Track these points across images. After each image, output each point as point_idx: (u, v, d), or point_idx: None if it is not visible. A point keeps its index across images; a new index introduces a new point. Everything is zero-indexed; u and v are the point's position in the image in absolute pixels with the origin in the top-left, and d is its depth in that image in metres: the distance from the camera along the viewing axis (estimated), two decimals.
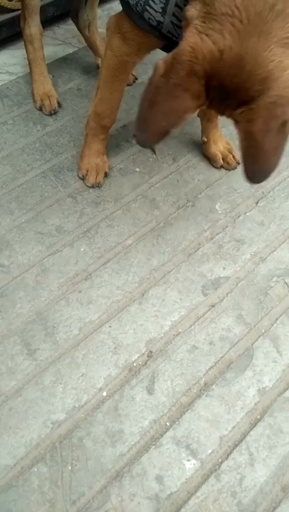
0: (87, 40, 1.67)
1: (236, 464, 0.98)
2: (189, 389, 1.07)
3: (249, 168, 0.92)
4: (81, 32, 1.66)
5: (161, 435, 1.01)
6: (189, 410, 1.04)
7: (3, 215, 1.33)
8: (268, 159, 0.91)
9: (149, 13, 0.98)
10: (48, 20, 1.78)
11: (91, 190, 1.40)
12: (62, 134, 1.53)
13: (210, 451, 0.99)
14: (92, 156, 1.39)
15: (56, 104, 1.57)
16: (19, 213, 1.33)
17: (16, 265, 1.23)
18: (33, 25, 1.51)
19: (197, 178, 1.45)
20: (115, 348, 1.12)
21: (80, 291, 1.20)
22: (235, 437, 1.01)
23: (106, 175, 1.41)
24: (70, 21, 1.71)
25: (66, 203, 1.36)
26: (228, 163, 1.46)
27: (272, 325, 1.17)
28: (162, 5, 0.95)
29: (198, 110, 0.91)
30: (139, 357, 1.11)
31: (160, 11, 0.96)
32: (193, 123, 1.55)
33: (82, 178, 1.41)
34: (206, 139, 1.46)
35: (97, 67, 1.70)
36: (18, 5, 1.69)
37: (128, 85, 1.60)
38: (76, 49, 1.81)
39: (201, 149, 1.50)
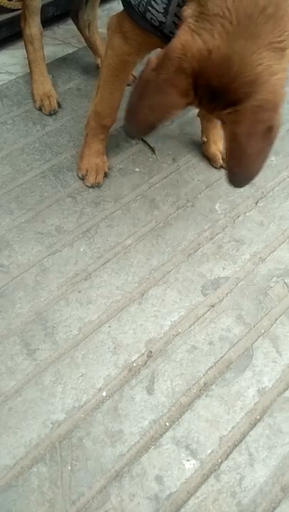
0: (87, 40, 1.67)
1: (236, 464, 0.98)
2: (189, 389, 1.07)
3: (231, 171, 0.93)
4: (81, 32, 1.66)
5: (161, 435, 1.01)
6: (189, 410, 1.04)
7: (3, 215, 1.32)
8: (251, 163, 0.91)
9: (151, 13, 0.98)
10: (48, 20, 1.78)
11: (91, 190, 1.40)
12: (62, 134, 1.53)
13: (209, 451, 0.99)
14: (92, 156, 1.39)
15: (56, 105, 1.57)
16: (19, 213, 1.33)
17: (16, 265, 1.23)
18: (33, 26, 1.51)
19: (197, 178, 1.45)
20: (115, 348, 1.12)
21: (79, 291, 1.20)
22: (234, 437, 1.01)
23: (106, 175, 1.41)
24: (70, 21, 1.71)
25: (66, 203, 1.36)
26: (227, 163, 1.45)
27: (272, 325, 1.17)
28: (164, 5, 0.95)
29: (196, 110, 0.91)
30: (138, 357, 1.11)
31: (162, 11, 0.96)
32: (193, 123, 1.55)
33: (82, 178, 1.41)
34: (205, 139, 1.46)
35: (97, 67, 1.70)
36: (17, 5, 1.69)
37: (128, 85, 1.60)
38: (76, 49, 1.81)
39: (201, 149, 1.50)
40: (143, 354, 1.11)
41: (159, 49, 1.07)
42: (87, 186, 1.40)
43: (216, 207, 1.38)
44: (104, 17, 1.68)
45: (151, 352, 1.12)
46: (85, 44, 1.72)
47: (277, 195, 1.42)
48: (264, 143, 0.88)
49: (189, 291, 1.22)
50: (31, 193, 1.38)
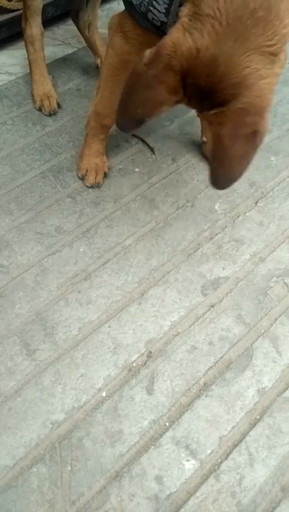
0: (87, 40, 1.67)
1: (236, 464, 0.98)
2: (189, 389, 1.07)
3: (214, 172, 0.92)
4: (81, 32, 1.66)
5: (161, 435, 1.01)
6: (189, 410, 1.04)
7: (3, 215, 1.33)
8: (233, 166, 0.91)
9: (153, 13, 0.98)
10: (48, 21, 1.78)
11: (90, 190, 1.40)
12: (62, 135, 1.53)
13: (209, 451, 0.99)
14: (91, 156, 1.39)
15: (56, 105, 1.57)
16: (18, 213, 1.33)
17: (16, 265, 1.23)
18: (34, 26, 1.51)
19: (196, 178, 1.45)
20: (115, 348, 1.12)
21: (79, 292, 1.20)
22: (234, 437, 1.01)
23: (105, 175, 1.41)
24: (70, 22, 1.71)
25: (65, 204, 1.36)
26: None
27: (272, 325, 1.17)
28: (166, 5, 0.96)
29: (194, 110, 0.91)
30: (138, 357, 1.11)
31: (164, 11, 0.97)
32: (192, 123, 1.55)
33: (82, 178, 1.41)
34: (205, 139, 1.46)
35: (97, 67, 1.70)
36: (17, 5, 1.69)
37: None
38: (75, 49, 1.81)
39: (201, 149, 1.50)
40: (143, 354, 1.11)
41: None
42: (87, 186, 1.40)
43: (216, 207, 1.38)
44: (103, 17, 1.68)
45: (151, 352, 1.12)
46: (85, 44, 1.72)
47: (277, 195, 1.42)
48: (248, 147, 0.88)
49: (189, 292, 1.22)
50: (31, 193, 1.38)
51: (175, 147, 1.52)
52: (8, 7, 1.69)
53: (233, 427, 1.02)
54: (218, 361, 1.11)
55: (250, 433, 1.02)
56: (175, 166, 1.47)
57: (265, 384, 1.08)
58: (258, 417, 1.04)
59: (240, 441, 1.01)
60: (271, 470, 0.98)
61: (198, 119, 1.45)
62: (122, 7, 1.08)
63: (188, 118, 1.58)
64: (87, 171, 1.39)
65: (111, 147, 1.47)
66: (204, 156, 1.49)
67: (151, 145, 1.51)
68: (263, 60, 0.80)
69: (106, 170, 1.41)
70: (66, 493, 0.93)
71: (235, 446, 1.00)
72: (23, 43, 1.57)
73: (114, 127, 1.38)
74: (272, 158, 1.50)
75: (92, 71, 1.72)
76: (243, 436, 1.01)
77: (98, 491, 0.94)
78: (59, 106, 1.59)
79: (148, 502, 0.93)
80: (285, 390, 1.08)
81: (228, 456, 0.99)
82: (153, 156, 1.49)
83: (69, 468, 0.96)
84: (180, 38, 0.80)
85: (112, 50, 1.14)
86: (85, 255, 1.26)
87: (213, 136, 0.87)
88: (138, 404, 1.04)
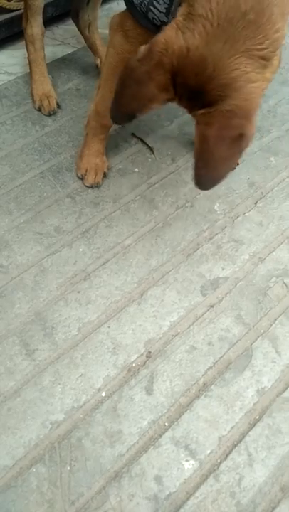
0: (86, 40, 1.67)
1: (235, 464, 0.98)
2: (188, 389, 1.07)
3: (198, 172, 0.93)
4: (81, 32, 1.66)
5: (160, 435, 1.01)
6: (188, 411, 1.04)
7: (2, 215, 1.32)
8: (218, 167, 0.92)
9: (153, 13, 0.99)
10: (47, 21, 1.77)
11: (90, 190, 1.40)
12: (61, 135, 1.53)
13: (209, 451, 0.99)
14: (91, 155, 1.39)
15: (55, 105, 1.57)
16: (18, 214, 1.33)
17: (15, 265, 1.23)
18: (35, 26, 1.51)
19: None
20: (114, 348, 1.12)
21: (78, 292, 1.20)
22: (234, 437, 1.01)
23: (105, 175, 1.41)
24: (69, 22, 1.71)
25: (65, 204, 1.36)
26: None
27: (271, 325, 1.17)
28: (166, 5, 0.96)
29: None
30: (138, 357, 1.11)
31: (164, 11, 0.97)
32: (192, 123, 1.54)
33: (81, 178, 1.41)
34: None
35: (96, 67, 1.70)
36: (16, 5, 1.69)
37: None
38: (75, 49, 1.81)
39: None
40: (142, 354, 1.11)
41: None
42: (86, 186, 1.40)
43: (215, 207, 1.38)
44: (103, 18, 1.68)
45: (150, 352, 1.12)
46: (85, 44, 1.72)
47: (276, 196, 1.42)
48: (233, 149, 0.88)
49: (188, 292, 1.22)
50: (30, 193, 1.38)
51: (174, 147, 1.52)
52: (7, 7, 1.69)
53: (232, 427, 1.02)
54: (217, 361, 1.11)
55: (250, 433, 1.02)
56: (174, 166, 1.47)
57: (264, 384, 1.08)
58: (257, 417, 1.04)
59: (240, 441, 1.01)
60: (270, 470, 0.98)
61: None
62: (121, 7, 1.08)
63: (187, 118, 1.58)
64: (86, 171, 1.39)
65: (110, 147, 1.47)
66: None
67: (150, 145, 1.51)
68: (253, 64, 0.80)
69: (105, 170, 1.41)
70: (65, 493, 0.93)
71: (235, 446, 1.00)
72: (23, 42, 1.57)
73: (114, 127, 1.38)
74: (272, 159, 1.50)
75: (91, 71, 1.72)
76: (243, 436, 1.01)
77: (97, 491, 0.94)
78: (58, 106, 1.59)
79: (147, 502, 0.93)
80: (284, 390, 1.08)
81: (227, 456, 0.99)
82: (152, 156, 1.49)
83: (68, 468, 0.96)
84: (172, 36, 0.81)
85: (113, 49, 1.14)
86: (84, 255, 1.26)
87: (200, 136, 0.88)
88: (137, 405, 1.04)
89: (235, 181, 1.44)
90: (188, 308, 1.19)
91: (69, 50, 1.80)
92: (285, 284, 1.24)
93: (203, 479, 0.96)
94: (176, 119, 1.58)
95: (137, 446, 0.99)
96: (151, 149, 1.50)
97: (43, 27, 1.53)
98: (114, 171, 1.45)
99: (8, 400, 1.03)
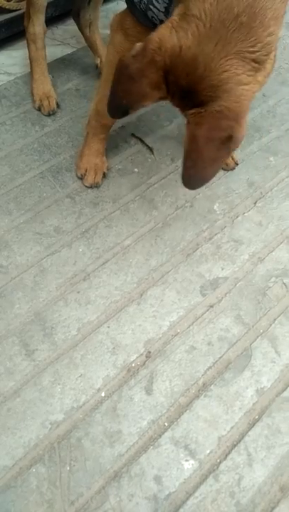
0: (87, 39, 1.67)
1: (235, 464, 0.98)
2: (188, 389, 1.07)
3: (186, 171, 0.94)
4: (82, 31, 1.66)
5: (160, 435, 1.01)
6: (188, 411, 1.04)
7: (2, 215, 1.33)
8: (206, 168, 0.92)
9: (153, 11, 0.99)
10: (47, 21, 1.77)
11: (89, 190, 1.40)
12: (61, 135, 1.53)
13: (208, 451, 0.99)
14: (91, 155, 1.39)
15: (55, 105, 1.57)
16: (17, 214, 1.33)
17: (15, 266, 1.23)
18: (37, 24, 1.50)
19: None
20: (114, 348, 1.12)
21: (78, 292, 1.20)
22: (233, 437, 1.01)
23: (104, 175, 1.41)
24: (69, 22, 1.71)
25: (64, 204, 1.36)
26: (226, 163, 1.46)
27: (271, 325, 1.17)
28: (165, 5, 0.96)
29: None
30: (137, 357, 1.11)
31: (163, 10, 0.97)
32: None
33: (81, 178, 1.41)
34: None
35: (96, 67, 1.70)
36: (16, 5, 1.69)
37: None
38: (74, 49, 1.81)
39: None
40: (142, 354, 1.11)
41: None
42: (86, 186, 1.40)
43: (215, 207, 1.39)
44: (102, 18, 1.68)
45: (150, 352, 1.12)
46: (84, 44, 1.72)
47: (275, 196, 1.42)
48: (222, 151, 0.89)
49: (188, 292, 1.22)
50: (30, 193, 1.38)
51: (174, 147, 1.52)
52: (7, 7, 1.69)
53: (232, 427, 1.02)
54: (217, 361, 1.11)
55: (249, 433, 1.02)
56: (174, 166, 1.47)
57: (263, 384, 1.08)
58: (256, 417, 1.04)
59: (239, 441, 1.01)
60: (270, 470, 0.98)
61: None
62: (120, 7, 1.08)
63: None
64: (86, 171, 1.39)
65: (110, 147, 1.47)
66: None
67: (150, 145, 1.51)
68: (244, 66, 0.80)
69: (105, 170, 1.41)
70: (65, 494, 0.93)
71: (234, 446, 1.00)
72: (23, 43, 1.58)
73: (114, 127, 1.38)
74: (271, 159, 1.50)
75: (91, 71, 1.72)
76: (242, 436, 1.01)
77: (97, 491, 0.94)
78: (58, 106, 1.59)
79: (147, 502, 0.93)
80: (283, 390, 1.08)
81: (227, 456, 0.99)
82: (152, 156, 1.50)
83: (68, 468, 0.96)
84: (166, 35, 0.81)
85: (113, 47, 1.14)
86: (84, 255, 1.26)
87: (190, 136, 0.88)
88: (137, 405, 1.04)
89: (235, 181, 1.44)
90: (187, 308, 1.19)
91: (68, 51, 1.80)
92: (284, 284, 1.24)
93: (203, 479, 0.96)
94: (176, 119, 1.58)
95: (137, 446, 0.99)
96: (150, 149, 1.51)
97: (45, 26, 1.52)
98: (114, 171, 1.45)
99: (8, 400, 1.03)
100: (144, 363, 1.10)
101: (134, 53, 0.86)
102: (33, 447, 0.98)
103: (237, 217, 1.37)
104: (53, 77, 1.66)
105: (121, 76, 0.90)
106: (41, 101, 1.57)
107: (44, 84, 1.58)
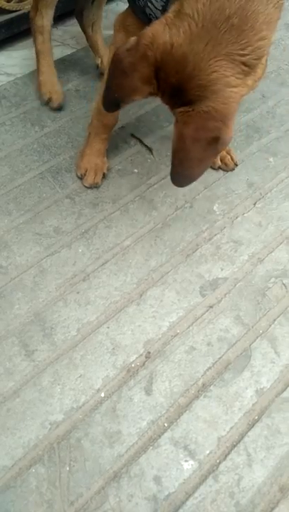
0: (89, 39, 1.67)
1: (234, 464, 0.98)
2: (187, 390, 1.07)
3: (174, 169, 0.95)
4: (84, 31, 1.65)
5: (159, 436, 1.01)
6: (187, 411, 1.04)
7: (1, 216, 1.33)
8: (192, 167, 0.93)
9: (150, 9, 1.00)
10: None
11: (89, 191, 1.40)
12: (61, 135, 1.53)
13: (208, 451, 0.99)
14: (92, 155, 1.39)
15: (62, 99, 1.56)
16: (17, 214, 1.33)
17: (14, 266, 1.23)
18: (46, 18, 1.50)
19: None
20: (113, 349, 1.12)
21: (78, 292, 1.20)
22: (233, 438, 1.01)
23: (104, 176, 1.41)
24: (68, 22, 1.72)
25: (64, 204, 1.36)
26: (226, 164, 1.46)
27: (270, 326, 1.17)
28: (162, 3, 0.97)
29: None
30: (137, 358, 1.11)
31: (160, 8, 0.98)
32: None
33: (80, 178, 1.41)
34: None
35: (97, 67, 1.70)
36: (16, 6, 1.69)
37: None
38: (74, 50, 1.81)
39: None
40: (141, 355, 1.11)
41: None
42: (85, 187, 1.40)
43: (215, 208, 1.39)
44: (102, 18, 1.68)
45: (149, 353, 1.12)
46: (84, 45, 1.72)
47: (275, 196, 1.42)
48: (208, 151, 0.89)
49: (188, 292, 1.22)
50: (29, 194, 1.38)
51: None
52: (7, 8, 1.70)
53: (231, 428, 1.02)
54: (216, 362, 1.11)
55: (249, 433, 1.02)
56: None
57: (263, 384, 1.08)
58: (256, 417, 1.04)
59: (239, 441, 1.01)
60: (269, 470, 0.98)
61: None
62: (120, 8, 1.08)
63: None
64: (86, 171, 1.39)
65: (110, 148, 1.47)
66: None
67: (149, 146, 1.51)
68: (234, 68, 0.81)
69: (105, 171, 1.41)
70: (65, 494, 0.93)
71: (234, 446, 1.00)
72: (22, 43, 1.58)
73: (114, 128, 1.38)
74: (271, 159, 1.50)
75: (91, 72, 1.72)
76: (242, 436, 1.01)
77: (97, 492, 0.94)
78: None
79: (146, 502, 0.93)
80: (283, 391, 1.08)
81: (226, 456, 0.99)
82: (151, 156, 1.50)
83: (67, 468, 0.96)
84: (160, 31, 0.82)
85: (115, 46, 1.15)
86: (83, 256, 1.26)
87: (177, 135, 0.89)
88: (136, 405, 1.04)
89: (234, 182, 1.44)
90: (187, 308, 1.19)
91: (68, 51, 1.80)
92: (283, 284, 1.24)
93: (203, 480, 0.96)
94: None
95: (136, 446, 0.99)
96: (150, 150, 1.51)
97: (52, 19, 1.52)
98: (114, 171, 1.45)
99: (8, 401, 1.03)
100: (143, 364, 1.10)
101: (129, 47, 0.87)
102: (33, 447, 0.98)
103: (237, 217, 1.37)
104: None
105: (115, 69, 0.91)
106: (50, 94, 1.55)
107: (52, 77, 1.57)
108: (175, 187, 1.41)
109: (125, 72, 0.87)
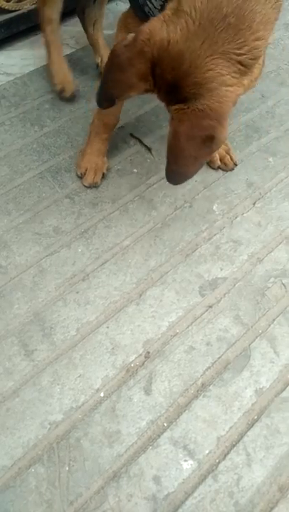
0: (90, 37, 1.67)
1: (233, 464, 0.98)
2: (186, 389, 1.07)
3: (169, 167, 0.94)
4: (85, 29, 1.65)
5: (159, 436, 1.01)
6: (186, 411, 1.04)
7: (1, 215, 1.33)
8: (187, 165, 0.93)
9: (149, 7, 1.00)
10: None
11: (89, 191, 1.40)
12: (60, 135, 1.53)
13: (207, 451, 0.99)
14: (92, 155, 1.39)
15: (75, 89, 1.55)
16: (16, 214, 1.33)
17: (14, 266, 1.23)
18: (55, 10, 1.50)
19: (194, 178, 1.45)
20: (113, 348, 1.12)
21: (77, 292, 1.20)
22: (232, 438, 1.01)
23: (104, 176, 1.41)
24: (68, 22, 1.71)
25: (64, 204, 1.36)
26: (225, 164, 1.46)
27: (270, 325, 1.17)
28: (161, 2, 0.97)
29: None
30: (136, 357, 1.11)
31: (159, 7, 0.98)
32: None
33: (80, 177, 1.41)
34: None
35: (97, 66, 1.70)
36: (15, 6, 1.69)
37: None
38: (74, 50, 1.81)
39: None
40: (141, 355, 1.11)
41: None
42: (85, 186, 1.40)
43: (214, 208, 1.39)
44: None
45: (148, 352, 1.12)
46: (84, 45, 1.72)
47: (274, 196, 1.42)
48: (202, 150, 0.89)
49: (187, 292, 1.22)
50: (29, 193, 1.38)
51: None
52: (6, 8, 1.69)
53: (230, 427, 1.02)
54: (215, 361, 1.11)
55: (248, 433, 1.02)
56: None
57: (262, 384, 1.08)
58: (255, 417, 1.04)
59: (238, 441, 1.01)
60: (269, 470, 0.98)
61: None
62: (120, 8, 1.08)
63: None
64: (86, 170, 1.39)
65: (109, 148, 1.47)
66: None
67: (149, 146, 1.51)
68: (230, 67, 0.81)
69: (104, 171, 1.41)
70: (64, 494, 0.93)
71: (233, 446, 1.00)
72: (22, 43, 1.58)
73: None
74: (270, 159, 1.50)
75: (90, 72, 1.72)
76: (241, 436, 1.01)
77: (96, 491, 0.94)
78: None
79: (146, 502, 0.93)
80: (282, 391, 1.08)
81: (225, 456, 0.99)
82: (151, 156, 1.50)
83: (67, 468, 0.96)
84: (157, 27, 0.82)
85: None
86: (83, 256, 1.26)
87: (172, 132, 0.89)
88: (136, 405, 1.04)
89: (234, 182, 1.44)
90: (186, 308, 1.19)
91: (68, 51, 1.80)
92: (283, 284, 1.24)
93: (202, 479, 0.96)
94: None
95: (136, 446, 0.99)
96: (149, 150, 1.51)
97: (60, 11, 1.52)
98: (113, 171, 1.45)
99: (7, 400, 1.03)
100: (143, 363, 1.10)
101: (126, 43, 0.87)
102: (32, 447, 0.98)
103: (236, 217, 1.37)
104: None
105: (111, 65, 0.91)
106: (62, 84, 1.56)
107: (63, 67, 1.57)
108: (174, 187, 1.42)
109: (122, 68, 0.87)
